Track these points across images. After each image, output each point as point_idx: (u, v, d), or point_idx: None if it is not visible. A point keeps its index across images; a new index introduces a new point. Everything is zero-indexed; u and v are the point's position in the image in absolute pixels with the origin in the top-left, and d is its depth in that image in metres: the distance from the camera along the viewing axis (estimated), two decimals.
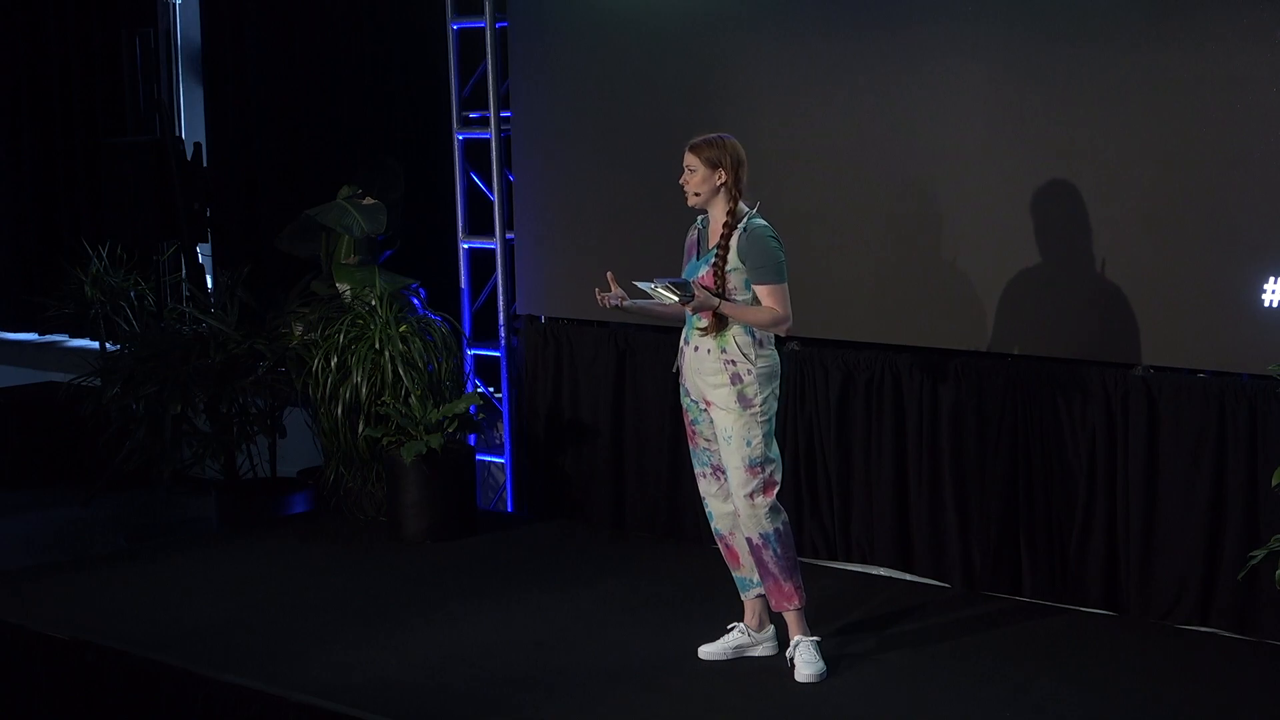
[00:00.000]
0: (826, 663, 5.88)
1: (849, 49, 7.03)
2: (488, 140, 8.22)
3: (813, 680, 5.82)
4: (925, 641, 6.23)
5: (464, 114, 8.31)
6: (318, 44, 9.15)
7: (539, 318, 8.20)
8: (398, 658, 6.14)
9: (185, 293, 9.03)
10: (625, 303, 5.93)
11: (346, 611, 6.72)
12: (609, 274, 5.94)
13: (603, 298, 5.94)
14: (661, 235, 7.66)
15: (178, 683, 6.04)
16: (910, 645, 6.19)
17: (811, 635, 5.92)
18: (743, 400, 5.81)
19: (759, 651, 6.07)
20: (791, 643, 5.91)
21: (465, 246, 8.37)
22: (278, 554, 7.61)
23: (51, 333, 10.72)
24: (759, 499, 5.84)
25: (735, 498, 5.88)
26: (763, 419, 5.83)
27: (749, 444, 5.82)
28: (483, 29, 8.15)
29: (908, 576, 7.05)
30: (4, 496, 9.49)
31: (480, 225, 8.35)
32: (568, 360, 8.09)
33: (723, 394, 5.83)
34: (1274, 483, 5.51)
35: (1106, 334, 6.52)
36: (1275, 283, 6.08)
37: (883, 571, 7.11)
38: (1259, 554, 5.49)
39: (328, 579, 7.19)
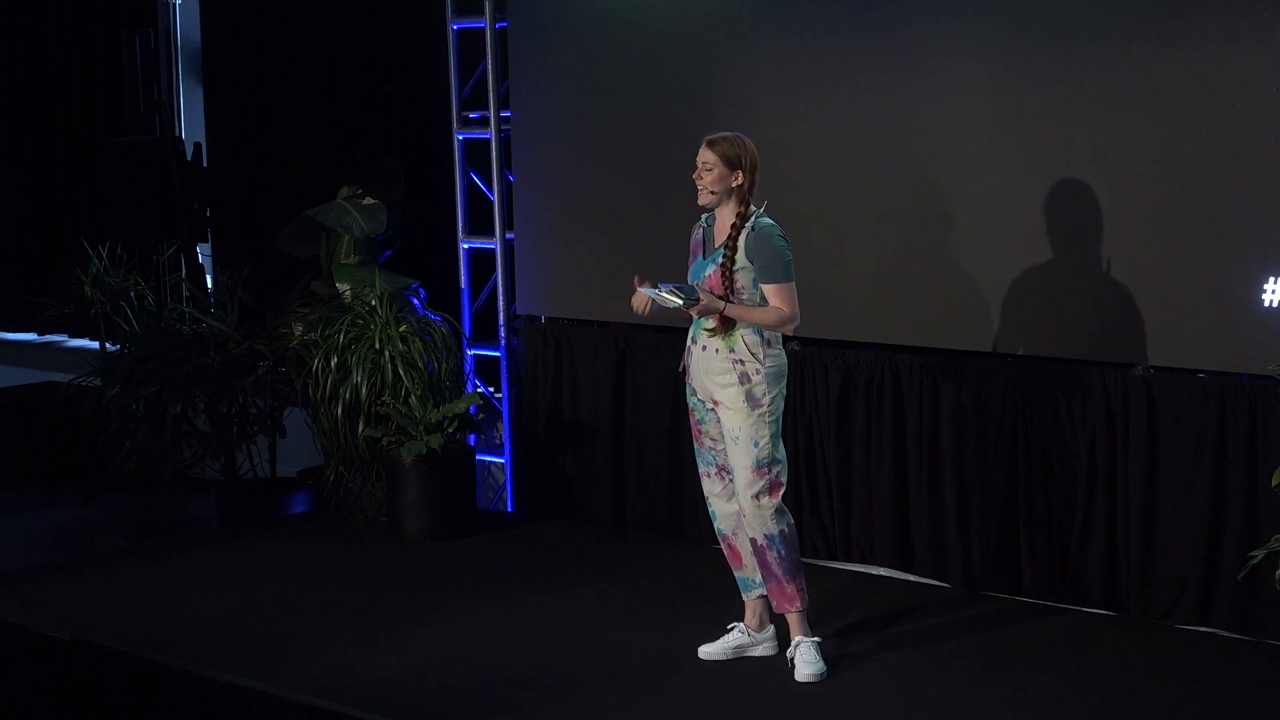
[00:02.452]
0: (827, 663, 5.88)
1: (849, 49, 7.03)
2: (488, 140, 8.22)
3: (812, 680, 5.82)
4: (925, 641, 6.23)
5: (464, 114, 8.31)
6: (318, 44, 9.15)
7: (539, 318, 8.20)
8: (398, 658, 6.14)
9: (185, 293, 9.03)
10: (646, 308, 5.83)
11: (346, 611, 6.72)
12: (635, 277, 5.86)
13: (638, 298, 5.83)
14: (662, 235, 7.66)
15: (178, 683, 6.04)
16: (910, 645, 6.19)
17: (812, 636, 5.92)
18: (751, 400, 5.80)
19: (759, 651, 6.07)
20: (792, 643, 5.91)
21: (465, 246, 8.37)
22: (278, 554, 7.61)
23: (51, 333, 10.72)
24: (765, 500, 5.84)
25: (741, 498, 5.87)
26: (771, 419, 5.82)
27: (757, 444, 5.80)
28: (483, 29, 8.15)
29: (908, 576, 7.05)
30: (4, 496, 9.49)
31: (480, 225, 8.35)
32: (568, 360, 8.10)
33: (731, 393, 5.81)
34: (1274, 483, 5.51)
35: (1106, 334, 6.52)
36: (1275, 283, 6.08)
37: (883, 571, 7.11)
38: (1259, 554, 5.49)
39: (328, 579, 7.19)
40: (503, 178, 8.22)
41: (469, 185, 8.36)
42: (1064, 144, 6.53)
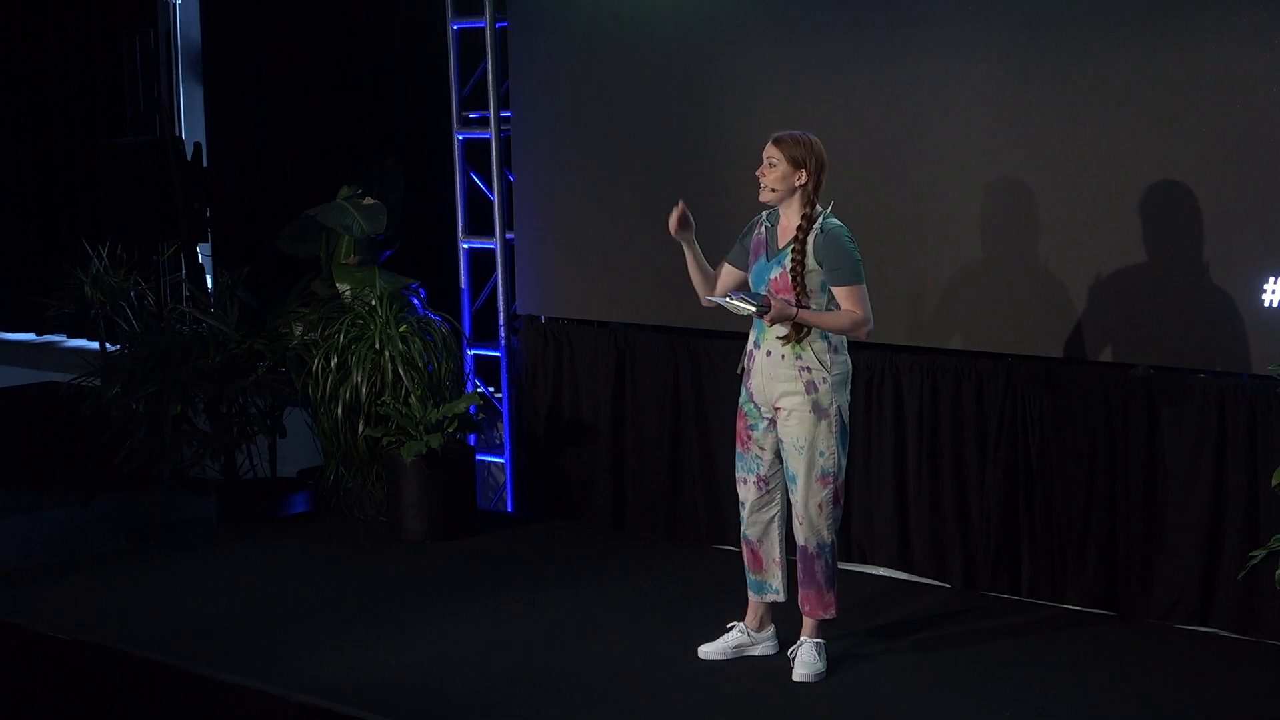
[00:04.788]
0: (828, 664, 5.88)
1: (849, 49, 7.03)
2: (488, 140, 8.22)
3: (808, 680, 5.81)
4: (924, 641, 6.23)
5: (464, 114, 8.31)
6: (318, 44, 9.15)
7: (539, 318, 8.20)
8: (398, 658, 6.14)
9: (185, 293, 9.03)
10: (714, 297, 5.81)
11: (346, 611, 6.72)
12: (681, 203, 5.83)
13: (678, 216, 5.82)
14: (662, 235, 7.65)
15: (178, 683, 6.04)
16: (910, 645, 6.19)
17: (818, 638, 5.92)
18: (817, 410, 5.75)
19: (758, 651, 6.06)
20: (797, 642, 5.90)
21: (465, 246, 8.37)
22: (278, 554, 7.61)
23: (49, 332, 10.72)
24: (828, 509, 5.81)
25: (800, 507, 5.81)
26: (837, 428, 5.78)
27: (822, 454, 5.77)
28: (483, 29, 8.15)
29: (908, 576, 7.05)
30: (4, 496, 9.49)
31: (480, 225, 8.35)
32: (568, 360, 8.09)
33: (797, 401, 5.76)
34: (1274, 483, 5.51)
35: (1106, 334, 6.52)
36: (1275, 283, 6.09)
37: (883, 571, 7.11)
38: (1259, 554, 5.49)
39: (328, 579, 7.19)
40: (503, 178, 8.22)
41: (469, 185, 8.35)
42: (1064, 144, 6.53)
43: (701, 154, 7.48)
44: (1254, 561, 5.54)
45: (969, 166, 6.78)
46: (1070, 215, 6.55)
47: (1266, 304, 6.10)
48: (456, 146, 8.32)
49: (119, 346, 8.67)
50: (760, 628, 6.07)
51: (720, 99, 7.41)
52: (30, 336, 10.92)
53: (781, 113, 7.16)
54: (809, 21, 7.12)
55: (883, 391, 7.08)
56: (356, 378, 7.80)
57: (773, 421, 5.86)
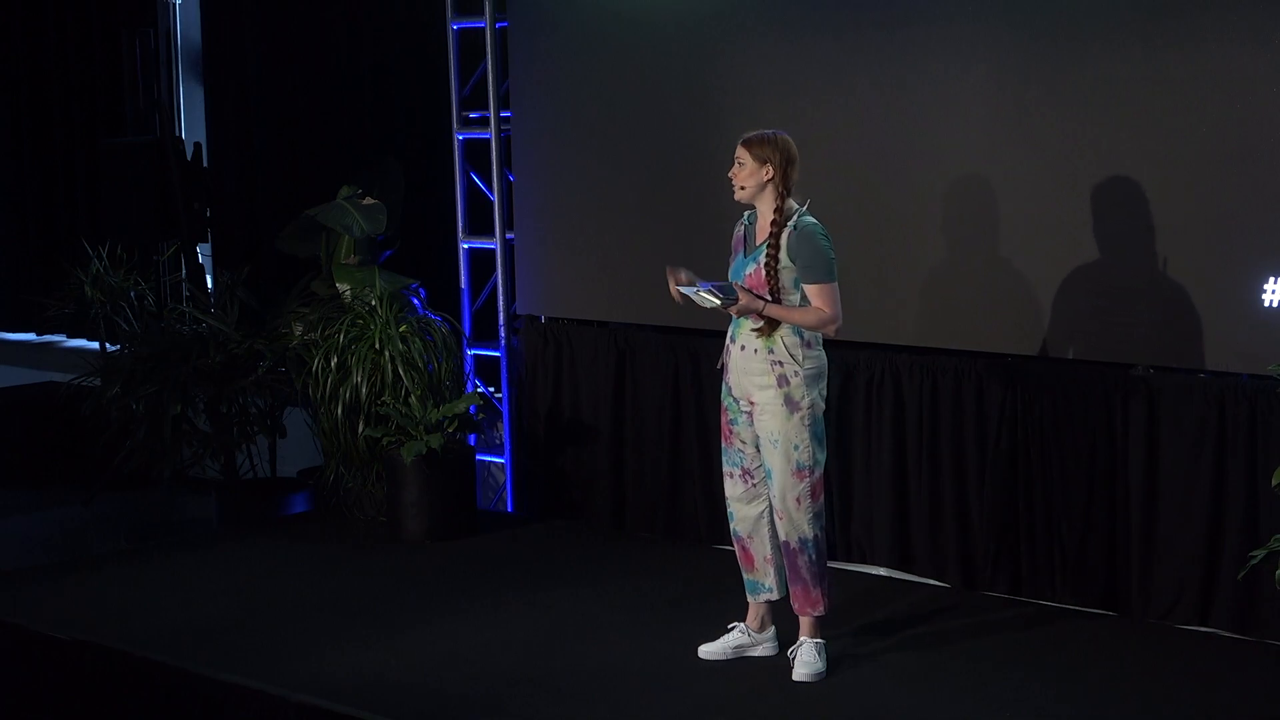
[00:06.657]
0: (828, 664, 5.88)
1: (849, 49, 7.03)
2: (488, 140, 8.22)
3: (808, 680, 5.81)
4: (924, 641, 6.23)
5: (464, 114, 8.31)
6: (318, 44, 9.15)
7: (539, 318, 8.20)
8: (398, 658, 6.14)
9: (185, 293, 9.03)
10: (682, 289, 5.77)
11: (346, 611, 6.72)
12: (668, 270, 5.79)
13: (674, 283, 5.78)
14: (661, 235, 7.67)
15: (178, 683, 6.04)
16: (909, 645, 6.18)
17: (818, 638, 5.91)
18: (789, 403, 5.76)
19: (759, 652, 6.06)
20: (797, 642, 5.90)
21: (465, 246, 8.37)
22: (278, 554, 7.61)
23: (49, 332, 10.72)
24: (806, 503, 5.81)
25: (779, 501, 5.82)
26: (809, 422, 5.79)
27: (796, 448, 5.78)
28: (483, 29, 8.15)
29: (908, 576, 7.05)
30: (4, 496, 9.49)
31: (480, 225, 8.35)
32: (568, 360, 8.09)
33: (769, 395, 5.77)
34: (1274, 483, 5.51)
35: (1106, 334, 6.52)
36: (1275, 283, 6.08)
37: (883, 571, 7.11)
38: (1259, 554, 5.49)
39: (328, 579, 7.19)
40: (503, 178, 8.22)
41: (469, 185, 8.35)
42: (1064, 144, 6.53)
43: (701, 154, 7.48)
44: (1254, 561, 5.54)
45: (968, 166, 6.78)
46: (1070, 215, 6.55)
47: (1266, 304, 6.10)
48: (456, 146, 8.32)
49: (119, 346, 8.67)
50: (761, 628, 6.07)
51: (720, 99, 7.41)
52: (30, 336, 10.92)
53: (781, 113, 7.16)
54: (809, 21, 7.12)
55: (883, 391, 7.08)
56: (356, 378, 7.80)
57: (751, 415, 5.87)
